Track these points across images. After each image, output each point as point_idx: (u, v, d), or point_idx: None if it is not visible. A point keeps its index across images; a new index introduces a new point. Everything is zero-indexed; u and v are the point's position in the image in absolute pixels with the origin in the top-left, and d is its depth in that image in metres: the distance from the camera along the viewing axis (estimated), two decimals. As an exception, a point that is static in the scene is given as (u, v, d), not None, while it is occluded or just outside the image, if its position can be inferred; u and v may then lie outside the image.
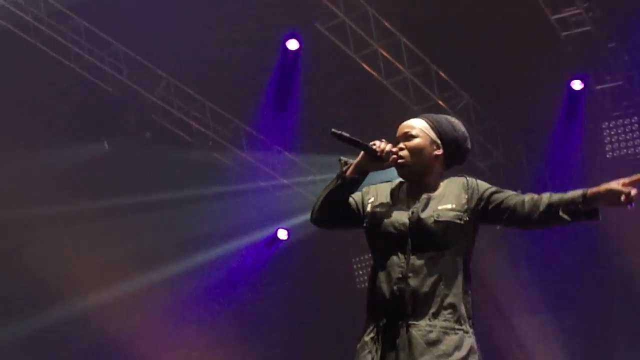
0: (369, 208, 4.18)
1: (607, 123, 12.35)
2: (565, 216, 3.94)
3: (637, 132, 12.23)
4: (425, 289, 3.97)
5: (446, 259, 4.02)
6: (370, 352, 3.99)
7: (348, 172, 4.13)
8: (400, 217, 4.08)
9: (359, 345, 4.06)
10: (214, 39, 11.44)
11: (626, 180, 3.86)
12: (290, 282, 14.11)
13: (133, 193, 12.58)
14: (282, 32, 11.73)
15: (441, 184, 4.17)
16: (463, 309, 4.01)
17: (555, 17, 10.91)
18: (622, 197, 3.82)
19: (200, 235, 13.15)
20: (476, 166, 12.02)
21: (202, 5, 11.14)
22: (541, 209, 3.99)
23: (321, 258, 14.10)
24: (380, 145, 4.09)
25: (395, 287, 3.99)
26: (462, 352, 3.92)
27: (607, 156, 12.36)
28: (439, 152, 4.17)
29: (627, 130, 12.27)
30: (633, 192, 3.82)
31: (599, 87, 11.92)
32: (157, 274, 13.16)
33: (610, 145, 12.36)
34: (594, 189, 3.91)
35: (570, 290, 12.50)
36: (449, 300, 3.98)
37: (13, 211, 11.82)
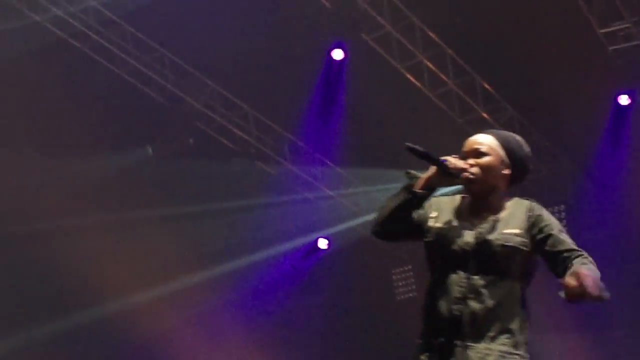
0: (431, 223, 4.11)
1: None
2: None
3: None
4: (485, 311, 3.91)
5: (507, 284, 3.96)
6: None
7: (418, 187, 4.04)
8: (465, 236, 4.01)
9: None
10: (259, 48, 11.47)
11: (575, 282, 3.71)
12: (329, 292, 14.09)
13: (175, 201, 12.65)
14: (328, 42, 11.73)
15: (507, 204, 4.10)
16: (520, 335, 3.95)
17: (604, 30, 10.80)
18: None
19: (240, 243, 13.18)
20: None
21: (248, 14, 11.17)
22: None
23: (361, 268, 14.07)
24: (453, 161, 4.01)
25: (454, 307, 3.93)
26: None
27: (654, 172, 12.20)
28: (507, 171, 4.11)
29: (673, 146, 12.10)
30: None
31: (646, 102, 11.79)
32: (196, 279, 13.20)
33: (656, 161, 12.20)
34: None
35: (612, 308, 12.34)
36: (507, 324, 3.93)
37: (60, 218, 11.93)
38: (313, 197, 13.58)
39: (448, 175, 4.01)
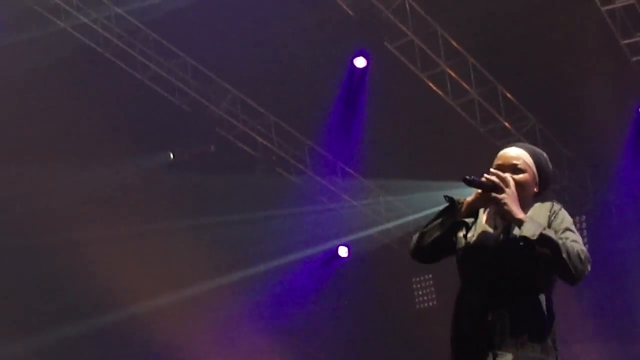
0: (460, 233, 4.10)
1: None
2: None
3: None
4: (513, 319, 3.90)
5: (532, 289, 3.95)
6: None
7: (463, 213, 4.02)
8: (491, 243, 4.01)
9: None
10: (281, 55, 11.50)
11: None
12: (349, 299, 14.09)
13: (196, 208, 12.71)
14: (351, 50, 11.74)
15: (530, 212, 4.06)
16: (549, 340, 3.95)
17: (626, 41, 10.76)
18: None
19: (260, 251, 13.20)
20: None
21: (270, 21, 11.20)
22: None
23: (381, 276, 14.06)
24: (494, 179, 3.97)
25: (481, 317, 3.93)
26: None
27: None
28: (537, 189, 4.12)
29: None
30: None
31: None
32: (216, 285, 13.24)
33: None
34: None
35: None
36: (535, 330, 3.92)
37: (82, 224, 12.06)
38: (334, 206, 13.58)
39: (492, 197, 3.97)
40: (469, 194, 4.08)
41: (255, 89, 12.30)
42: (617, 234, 12.43)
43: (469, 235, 4.07)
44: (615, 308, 12.30)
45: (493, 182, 3.96)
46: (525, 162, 4.10)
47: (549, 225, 4.00)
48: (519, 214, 3.92)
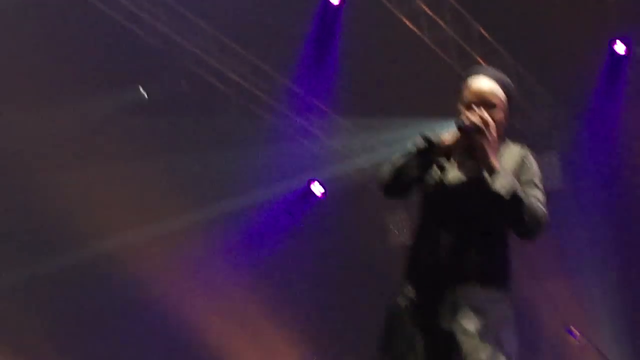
0: (433, 173, 4.08)
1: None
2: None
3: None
4: (471, 254, 3.93)
5: (492, 226, 3.97)
6: (409, 315, 3.95)
7: (439, 153, 3.98)
8: (456, 180, 4.02)
9: (394, 307, 4.02)
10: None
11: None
12: (323, 236, 14.12)
13: (167, 143, 12.62)
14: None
15: (501, 150, 4.05)
16: (509, 281, 3.99)
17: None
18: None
19: (233, 186, 13.15)
20: (513, 127, 11.88)
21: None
22: None
23: (356, 214, 14.10)
24: (472, 118, 3.95)
25: (440, 252, 3.94)
26: (505, 319, 3.93)
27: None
28: (506, 123, 4.13)
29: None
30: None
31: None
32: (187, 222, 13.17)
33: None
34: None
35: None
36: (494, 267, 3.96)
37: (53, 159, 11.92)
38: (309, 144, 13.54)
39: (473, 141, 3.95)
40: (441, 131, 4.06)
41: (227, 24, 12.15)
42: (588, 171, 12.44)
43: (442, 175, 4.05)
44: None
45: (477, 126, 3.92)
46: (499, 98, 4.08)
47: (516, 173, 3.99)
48: (494, 162, 3.89)
